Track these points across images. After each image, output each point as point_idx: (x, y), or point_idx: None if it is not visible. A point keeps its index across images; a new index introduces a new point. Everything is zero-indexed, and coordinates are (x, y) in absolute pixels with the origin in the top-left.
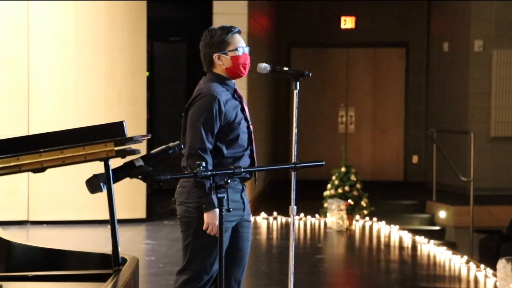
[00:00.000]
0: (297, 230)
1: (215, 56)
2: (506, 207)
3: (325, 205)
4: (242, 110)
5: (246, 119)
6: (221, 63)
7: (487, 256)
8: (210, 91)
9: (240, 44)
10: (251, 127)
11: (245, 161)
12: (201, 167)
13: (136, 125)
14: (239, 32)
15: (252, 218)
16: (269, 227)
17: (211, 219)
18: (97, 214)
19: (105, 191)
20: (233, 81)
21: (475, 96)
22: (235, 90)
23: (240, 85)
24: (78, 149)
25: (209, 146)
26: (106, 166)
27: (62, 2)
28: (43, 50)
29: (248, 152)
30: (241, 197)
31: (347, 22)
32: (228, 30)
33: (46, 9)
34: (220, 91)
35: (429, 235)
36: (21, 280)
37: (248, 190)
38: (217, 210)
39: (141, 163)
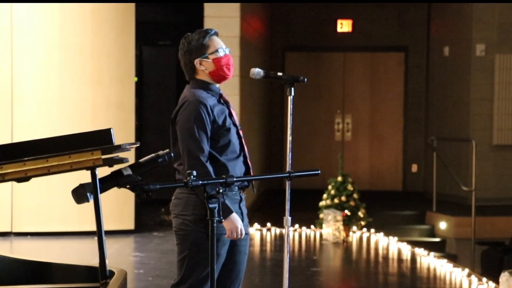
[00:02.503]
0: (292, 242)
1: (197, 61)
2: (509, 218)
3: (321, 215)
4: (230, 115)
5: (235, 124)
6: (204, 68)
7: (490, 269)
8: (196, 97)
9: (220, 46)
10: (240, 132)
11: (240, 168)
12: (192, 176)
13: (124, 132)
14: (216, 34)
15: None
16: (262, 239)
17: (231, 225)
18: (84, 225)
19: (91, 201)
20: (218, 86)
21: (477, 102)
22: (220, 95)
23: (233, 90)
24: (63, 157)
25: (207, 152)
26: (93, 175)
27: (47, 5)
28: (27, 55)
29: (241, 158)
30: (240, 208)
31: (344, 25)
32: (205, 33)
33: (30, 12)
34: (206, 97)
35: (429, 247)
36: None
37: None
38: (234, 214)
39: (129, 172)
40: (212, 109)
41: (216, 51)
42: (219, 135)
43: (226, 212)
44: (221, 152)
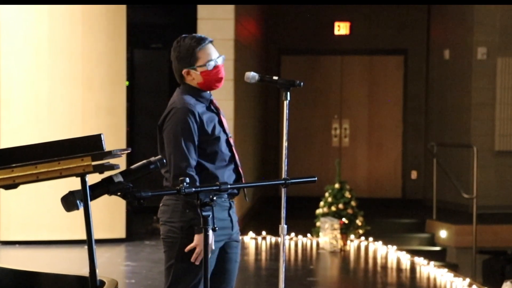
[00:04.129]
0: (288, 250)
1: (185, 71)
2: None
3: (318, 224)
4: (220, 122)
5: (225, 131)
6: (191, 78)
7: (491, 278)
8: (184, 104)
9: (212, 57)
10: (231, 140)
11: (229, 176)
12: (185, 183)
13: (115, 138)
14: (211, 42)
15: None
16: (257, 248)
17: (201, 239)
18: (74, 234)
19: (81, 209)
20: (209, 92)
21: (478, 107)
22: (211, 101)
23: (227, 95)
24: (53, 164)
25: (194, 162)
26: (83, 182)
27: (35, 6)
28: (15, 58)
29: (232, 166)
30: (229, 215)
31: (341, 28)
32: (197, 43)
33: (18, 14)
34: (194, 104)
35: (429, 256)
36: None
37: (236, 207)
38: (211, 232)
39: (120, 179)
40: (200, 117)
41: (205, 64)
42: (208, 143)
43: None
44: (210, 160)
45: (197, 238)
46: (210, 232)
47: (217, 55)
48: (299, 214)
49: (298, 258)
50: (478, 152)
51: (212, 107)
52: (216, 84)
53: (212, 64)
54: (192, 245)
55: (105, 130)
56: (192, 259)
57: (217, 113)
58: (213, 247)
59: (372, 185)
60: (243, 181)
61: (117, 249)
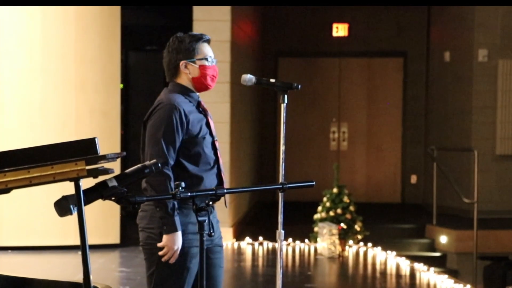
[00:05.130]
0: (285, 256)
1: (182, 63)
2: None
3: (316, 229)
4: (207, 124)
5: (211, 134)
6: (188, 71)
7: (492, 285)
8: (170, 101)
9: (210, 54)
10: (216, 143)
11: (211, 181)
12: (180, 188)
13: (109, 141)
14: (209, 41)
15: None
16: (254, 253)
17: (170, 242)
18: (67, 239)
19: (75, 214)
20: (198, 94)
21: (479, 110)
22: (199, 103)
23: (223, 98)
24: (46, 168)
25: (171, 161)
26: (77, 187)
27: (28, 7)
28: (7, 60)
29: (215, 170)
30: (210, 220)
31: (340, 30)
32: (198, 38)
33: (10, 15)
34: (182, 102)
35: (429, 262)
36: None
37: (232, 213)
38: (179, 233)
39: (114, 183)
40: (187, 116)
41: (205, 58)
42: (192, 144)
43: (173, 227)
44: (193, 162)
45: (165, 239)
46: (179, 235)
47: (213, 56)
48: (297, 219)
49: (296, 264)
50: (479, 156)
51: (201, 109)
52: (210, 82)
53: (210, 60)
54: (160, 245)
55: (99, 134)
56: (164, 259)
57: (205, 115)
58: (194, 252)
59: (371, 190)
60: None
61: (111, 255)
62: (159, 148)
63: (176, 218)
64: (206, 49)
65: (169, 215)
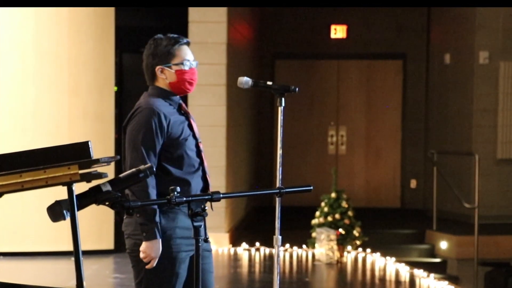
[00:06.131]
0: (282, 262)
1: (158, 68)
2: None
3: (313, 234)
4: (190, 126)
5: (194, 136)
6: (164, 76)
7: None
8: (149, 105)
9: (188, 57)
10: (200, 145)
11: (197, 183)
12: (175, 192)
13: (103, 145)
14: (187, 43)
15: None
16: (251, 259)
17: (149, 249)
18: (60, 245)
19: (68, 219)
20: (178, 96)
21: (480, 113)
22: (180, 105)
23: (219, 101)
24: (38, 172)
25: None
26: (70, 191)
27: (21, 9)
28: (0, 62)
29: (200, 173)
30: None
31: (338, 31)
32: (175, 41)
33: (2, 16)
34: (161, 105)
35: (429, 268)
36: None
37: (228, 219)
38: (158, 241)
39: (108, 188)
40: (167, 119)
41: (181, 63)
42: (174, 146)
43: (152, 235)
44: (176, 165)
45: (143, 246)
46: (158, 242)
47: (193, 58)
48: (294, 224)
49: (293, 270)
50: (480, 160)
51: (182, 111)
52: (187, 87)
53: (188, 64)
54: (141, 256)
55: (93, 137)
56: (147, 267)
57: (187, 117)
58: (182, 257)
59: (370, 195)
60: (210, 190)
61: (105, 261)
62: (138, 154)
63: (156, 226)
64: (184, 53)
65: (149, 222)
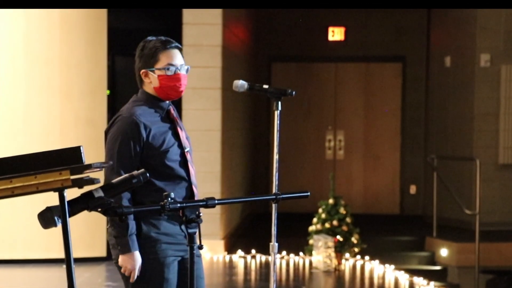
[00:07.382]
0: (279, 270)
1: (142, 72)
2: None
3: (311, 241)
4: (175, 134)
5: (181, 145)
6: (149, 81)
7: None
8: (130, 113)
9: (174, 62)
10: (187, 154)
11: (179, 194)
12: (169, 199)
13: (95, 150)
14: (176, 47)
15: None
16: (246, 267)
17: (125, 262)
18: (51, 252)
19: (59, 225)
20: (167, 102)
21: (481, 117)
22: (168, 112)
23: (214, 105)
24: (29, 178)
25: None
26: (61, 197)
27: (11, 11)
28: None
29: (184, 183)
30: (182, 230)
31: (336, 34)
32: (162, 44)
33: None
34: (143, 114)
35: (429, 275)
36: None
37: (223, 225)
38: (134, 254)
39: (101, 194)
40: (147, 129)
41: (165, 68)
42: (154, 157)
43: (126, 248)
44: (156, 175)
45: (120, 259)
46: (134, 255)
47: (181, 63)
48: (291, 231)
49: (290, 278)
50: (481, 165)
51: (170, 118)
52: (172, 93)
53: (172, 69)
54: (122, 269)
55: (85, 142)
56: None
57: (174, 125)
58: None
59: (369, 201)
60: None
61: (98, 269)
62: (114, 163)
63: (130, 238)
64: (169, 57)
65: (122, 236)
